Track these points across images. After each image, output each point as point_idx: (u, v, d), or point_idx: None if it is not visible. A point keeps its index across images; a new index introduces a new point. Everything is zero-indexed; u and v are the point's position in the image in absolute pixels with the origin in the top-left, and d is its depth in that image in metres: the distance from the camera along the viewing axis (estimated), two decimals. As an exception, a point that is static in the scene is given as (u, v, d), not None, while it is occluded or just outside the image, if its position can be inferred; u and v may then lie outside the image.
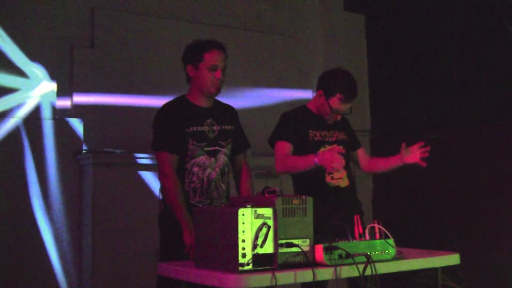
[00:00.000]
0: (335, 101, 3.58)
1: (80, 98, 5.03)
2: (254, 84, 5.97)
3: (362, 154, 3.91)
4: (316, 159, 3.35)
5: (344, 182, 3.66)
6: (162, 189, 3.39)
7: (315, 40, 6.47)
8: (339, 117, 3.69)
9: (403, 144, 3.61)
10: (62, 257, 4.75)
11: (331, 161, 3.30)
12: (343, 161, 3.38)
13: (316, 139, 3.64)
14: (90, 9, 5.18)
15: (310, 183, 3.60)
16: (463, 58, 5.66)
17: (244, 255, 2.41)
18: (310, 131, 3.64)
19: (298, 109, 3.80)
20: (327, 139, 3.66)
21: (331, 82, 3.61)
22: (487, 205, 5.32)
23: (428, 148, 3.59)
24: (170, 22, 5.54)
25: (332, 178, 3.62)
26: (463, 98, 5.64)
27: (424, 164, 3.60)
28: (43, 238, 4.68)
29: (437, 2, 5.82)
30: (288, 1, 6.40)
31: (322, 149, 3.57)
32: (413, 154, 3.61)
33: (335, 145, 3.66)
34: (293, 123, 3.66)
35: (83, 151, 4.86)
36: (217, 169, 3.43)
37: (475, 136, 5.47)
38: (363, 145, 3.97)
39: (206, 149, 3.41)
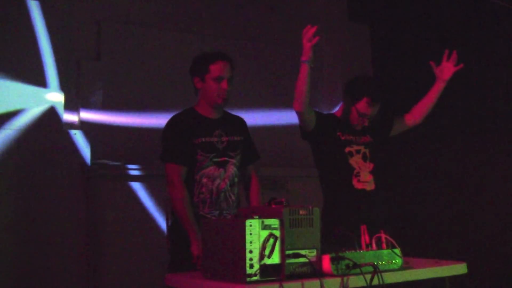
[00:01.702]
0: (362, 105, 3.65)
1: (87, 111, 5.07)
2: (260, 94, 5.99)
3: (399, 120, 3.93)
4: (302, 58, 3.50)
5: (370, 186, 3.71)
6: (170, 201, 3.41)
7: (320, 50, 6.49)
8: (366, 122, 3.73)
9: (432, 63, 3.78)
10: (69, 268, 4.76)
11: (306, 40, 3.44)
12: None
13: (343, 138, 3.70)
14: (97, 22, 5.22)
15: (337, 186, 3.68)
16: (468, 68, 5.66)
17: (251, 266, 2.42)
18: (338, 132, 3.72)
19: (327, 114, 3.89)
20: (354, 141, 3.73)
21: (357, 87, 3.69)
22: (494, 213, 5.32)
23: (454, 52, 3.75)
24: (176, 35, 5.58)
25: (358, 181, 3.67)
26: (471, 107, 5.65)
27: (461, 66, 3.77)
28: (50, 249, 4.69)
29: (441, 12, 5.84)
30: (292, 12, 6.42)
31: (348, 148, 3.68)
32: (447, 68, 3.78)
33: (362, 147, 3.73)
34: (323, 118, 3.71)
35: (90, 163, 4.88)
36: (226, 180, 3.44)
37: (479, 143, 5.47)
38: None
39: (215, 160, 3.42)
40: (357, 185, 3.68)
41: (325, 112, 3.91)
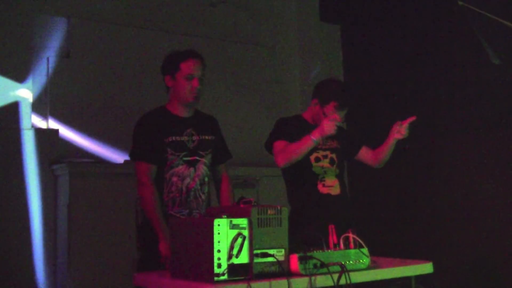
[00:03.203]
0: (330, 109, 3.64)
1: (56, 108, 5.02)
2: (231, 94, 5.99)
3: (365, 152, 3.93)
4: (312, 137, 3.41)
5: (335, 190, 3.72)
6: (139, 199, 3.39)
7: (292, 50, 6.53)
8: None
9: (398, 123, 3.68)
10: (37, 267, 4.72)
11: (328, 127, 3.35)
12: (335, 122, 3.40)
13: None
14: (66, 19, 5.18)
15: (302, 190, 3.68)
16: (438, 68, 5.73)
17: (219, 265, 2.42)
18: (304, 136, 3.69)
19: (293, 117, 3.88)
20: (320, 146, 3.71)
21: (326, 90, 3.68)
22: (460, 213, 5.38)
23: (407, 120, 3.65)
24: (147, 33, 5.56)
25: (323, 185, 3.68)
26: (438, 108, 5.71)
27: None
28: (18, 248, 4.65)
29: (412, 12, 5.90)
30: (265, 12, 6.44)
31: (315, 154, 3.68)
32: (401, 131, 3.67)
33: (328, 152, 3.73)
34: (288, 127, 3.73)
35: (59, 162, 4.84)
36: (196, 179, 3.43)
37: (447, 145, 5.54)
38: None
39: (185, 158, 3.41)
40: (322, 190, 3.69)
41: (290, 116, 3.90)
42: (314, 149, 3.67)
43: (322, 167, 3.69)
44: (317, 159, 3.69)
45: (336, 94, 3.65)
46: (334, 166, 3.74)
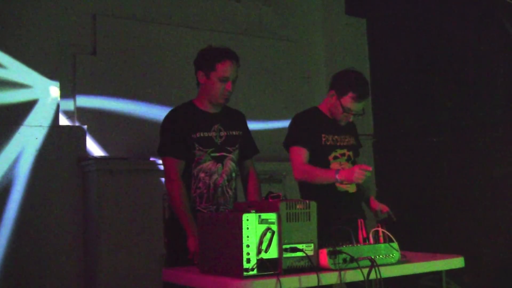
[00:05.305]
0: (347, 100, 3.58)
1: (83, 105, 5.05)
2: (257, 89, 5.98)
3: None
4: (337, 176, 3.42)
5: (352, 188, 3.67)
6: (167, 195, 3.39)
7: (317, 44, 6.49)
8: (350, 119, 3.69)
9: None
10: (66, 263, 4.75)
11: (358, 175, 3.34)
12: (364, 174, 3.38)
13: (328, 143, 3.66)
14: (92, 16, 5.20)
15: (319, 187, 3.59)
16: (464, 61, 5.67)
17: (248, 260, 2.41)
18: (323, 135, 3.65)
19: (311, 111, 3.80)
20: (338, 144, 3.68)
21: (343, 82, 3.61)
22: (491, 208, 5.32)
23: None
24: (171, 29, 5.56)
25: (342, 182, 3.63)
26: (465, 101, 5.65)
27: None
28: (47, 245, 4.69)
29: (437, 5, 5.83)
30: (290, 6, 6.42)
31: (333, 154, 3.62)
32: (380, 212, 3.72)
33: (345, 151, 3.69)
34: (306, 126, 3.67)
35: (86, 158, 4.87)
36: (223, 175, 3.42)
37: (477, 138, 5.47)
38: (366, 149, 3.97)
39: (212, 154, 3.40)
40: (341, 187, 3.62)
41: (307, 110, 3.83)
42: (332, 149, 3.64)
43: (340, 164, 3.64)
44: (336, 158, 3.64)
45: (353, 85, 3.58)
46: (350, 162, 3.69)
